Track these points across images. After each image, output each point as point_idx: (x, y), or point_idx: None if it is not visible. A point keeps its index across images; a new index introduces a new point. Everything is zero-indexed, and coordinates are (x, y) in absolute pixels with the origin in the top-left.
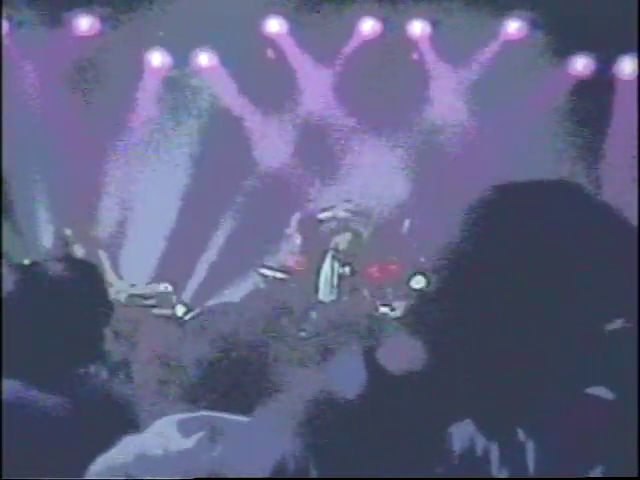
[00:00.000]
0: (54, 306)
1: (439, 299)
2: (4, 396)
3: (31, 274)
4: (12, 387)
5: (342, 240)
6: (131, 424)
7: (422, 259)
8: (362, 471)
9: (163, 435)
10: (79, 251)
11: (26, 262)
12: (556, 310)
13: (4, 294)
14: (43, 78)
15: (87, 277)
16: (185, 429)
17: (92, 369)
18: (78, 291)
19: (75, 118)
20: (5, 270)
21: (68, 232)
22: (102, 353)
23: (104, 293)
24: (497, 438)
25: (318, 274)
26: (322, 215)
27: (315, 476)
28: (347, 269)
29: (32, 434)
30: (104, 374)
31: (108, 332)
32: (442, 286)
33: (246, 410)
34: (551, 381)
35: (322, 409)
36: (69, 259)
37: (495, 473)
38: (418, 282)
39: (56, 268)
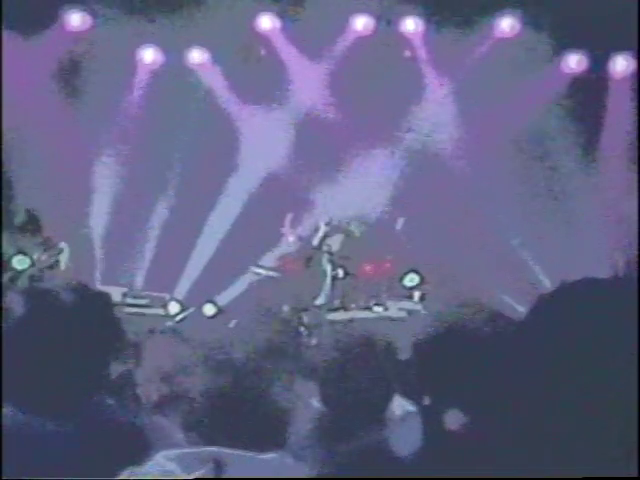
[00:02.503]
0: (61, 333)
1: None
2: (5, 423)
3: (40, 299)
4: (14, 414)
5: (334, 241)
6: (134, 455)
7: (416, 258)
8: None
9: (164, 469)
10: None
11: (16, 264)
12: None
13: (12, 320)
14: (35, 75)
15: (97, 305)
16: (186, 464)
17: (96, 398)
18: (87, 319)
19: (67, 114)
20: (13, 295)
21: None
22: (108, 381)
23: (115, 321)
24: None
25: (313, 275)
26: (315, 242)
27: None
28: (340, 271)
29: (33, 463)
30: (108, 403)
31: (115, 360)
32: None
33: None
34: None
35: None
36: (80, 287)
37: None
38: (411, 280)
39: (65, 294)
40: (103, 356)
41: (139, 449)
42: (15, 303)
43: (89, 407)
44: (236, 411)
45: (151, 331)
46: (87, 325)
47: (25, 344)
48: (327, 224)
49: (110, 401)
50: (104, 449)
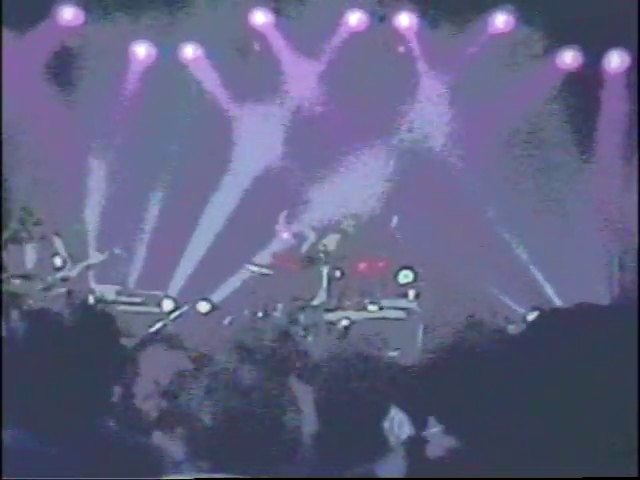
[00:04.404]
0: (62, 354)
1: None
2: (7, 445)
3: (41, 321)
4: (15, 436)
5: (330, 242)
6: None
7: (411, 255)
8: None
9: None
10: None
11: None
12: None
13: (13, 341)
14: (27, 70)
15: (98, 326)
16: None
17: (99, 420)
18: (89, 340)
19: (59, 109)
20: (16, 317)
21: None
22: (110, 403)
23: (116, 342)
24: None
25: (309, 275)
26: (304, 248)
27: None
28: (337, 272)
29: None
30: (111, 425)
31: (117, 382)
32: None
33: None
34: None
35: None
36: (81, 308)
37: None
38: (406, 277)
39: (66, 316)
40: (102, 374)
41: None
42: (15, 322)
43: (90, 427)
44: (238, 427)
45: (148, 339)
46: (86, 342)
47: (24, 362)
48: (315, 230)
49: (111, 421)
50: (107, 471)
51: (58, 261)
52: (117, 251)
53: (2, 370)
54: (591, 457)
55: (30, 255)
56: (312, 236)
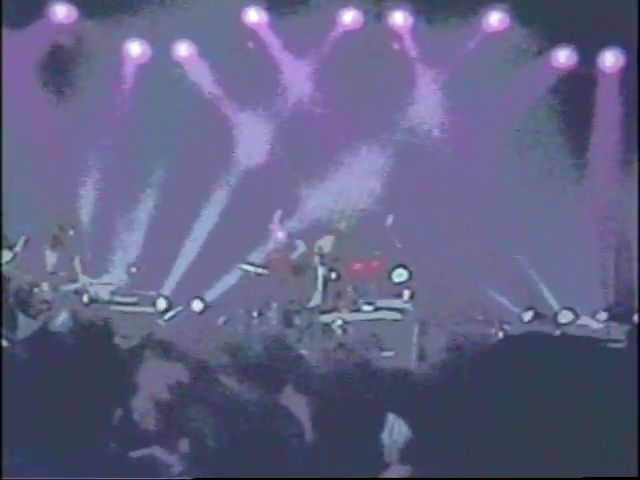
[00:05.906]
0: (62, 373)
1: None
2: (8, 465)
3: (40, 342)
4: (16, 457)
5: (325, 243)
6: None
7: (406, 255)
8: None
9: None
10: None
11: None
12: None
13: (13, 362)
14: (20, 68)
15: (96, 342)
16: None
17: (101, 440)
18: (88, 357)
19: (53, 108)
20: (16, 340)
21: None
22: (110, 424)
23: (114, 356)
24: None
25: (305, 277)
26: (295, 256)
27: None
28: (333, 274)
29: None
30: (112, 446)
31: (118, 405)
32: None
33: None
34: None
35: None
36: (80, 326)
37: None
38: (400, 275)
39: (65, 335)
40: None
41: None
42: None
43: (90, 446)
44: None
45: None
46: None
47: (26, 386)
48: (306, 237)
49: (110, 439)
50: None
51: (74, 271)
52: (133, 270)
53: (2, 374)
54: (591, 457)
55: (51, 261)
56: (302, 246)
